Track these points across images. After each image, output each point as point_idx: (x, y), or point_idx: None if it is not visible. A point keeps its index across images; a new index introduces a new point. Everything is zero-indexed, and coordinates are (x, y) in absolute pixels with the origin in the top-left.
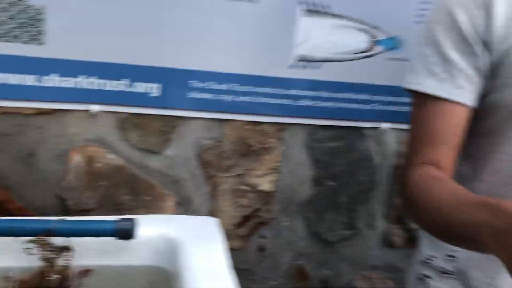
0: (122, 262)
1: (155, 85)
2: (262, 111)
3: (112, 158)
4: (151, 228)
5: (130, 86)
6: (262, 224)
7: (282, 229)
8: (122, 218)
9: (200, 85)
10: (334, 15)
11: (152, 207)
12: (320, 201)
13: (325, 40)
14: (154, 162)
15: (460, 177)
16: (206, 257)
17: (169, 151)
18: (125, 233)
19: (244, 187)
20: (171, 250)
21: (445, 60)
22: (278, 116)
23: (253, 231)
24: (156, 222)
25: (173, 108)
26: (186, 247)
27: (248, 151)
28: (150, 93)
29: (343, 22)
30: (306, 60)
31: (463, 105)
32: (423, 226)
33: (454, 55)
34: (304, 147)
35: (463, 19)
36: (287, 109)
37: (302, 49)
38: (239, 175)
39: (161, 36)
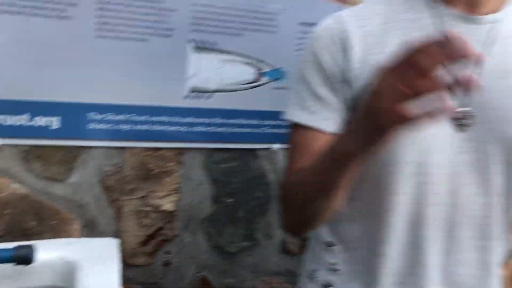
0: (24, 284)
1: (54, 119)
2: (160, 138)
3: (17, 188)
4: (51, 252)
5: (30, 120)
6: (166, 241)
7: (185, 245)
8: (20, 245)
9: (99, 116)
10: (222, 51)
11: (58, 231)
12: (220, 217)
13: (215, 73)
14: (58, 189)
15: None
16: (100, 277)
17: (73, 179)
18: (24, 259)
19: (147, 208)
20: (70, 271)
21: (315, 95)
22: (176, 141)
23: (157, 248)
24: (57, 246)
25: (74, 139)
26: (83, 268)
27: (149, 175)
28: (50, 126)
29: (231, 57)
30: (198, 91)
31: (330, 133)
32: (292, 218)
33: (321, 91)
34: (202, 168)
35: (326, 60)
36: (184, 135)
37: (194, 82)
38: (142, 197)
39: (58, 73)
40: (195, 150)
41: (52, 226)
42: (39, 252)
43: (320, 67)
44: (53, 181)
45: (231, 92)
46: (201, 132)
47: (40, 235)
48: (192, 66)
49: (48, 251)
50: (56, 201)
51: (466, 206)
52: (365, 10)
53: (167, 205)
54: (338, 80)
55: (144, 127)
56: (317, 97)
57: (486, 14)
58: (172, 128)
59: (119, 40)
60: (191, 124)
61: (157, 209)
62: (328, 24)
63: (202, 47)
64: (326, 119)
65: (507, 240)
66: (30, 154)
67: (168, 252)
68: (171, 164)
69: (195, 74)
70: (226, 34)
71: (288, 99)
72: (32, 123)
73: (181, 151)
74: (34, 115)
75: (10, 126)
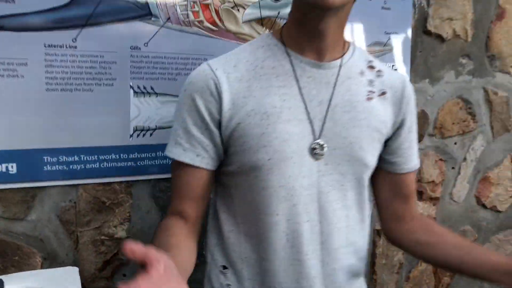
0: None
1: (11, 164)
2: (110, 173)
3: None
4: (18, 284)
5: None
6: (122, 264)
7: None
8: None
9: (53, 159)
10: (159, 94)
11: (21, 265)
12: None
13: (155, 113)
14: (19, 227)
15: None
16: None
17: (32, 216)
18: None
19: (102, 237)
20: None
21: (189, 134)
22: (125, 175)
23: (114, 272)
24: (23, 278)
25: (31, 181)
26: None
27: (102, 207)
28: (9, 171)
29: (167, 98)
30: (141, 130)
31: (203, 169)
32: None
33: (194, 131)
34: (150, 198)
35: (200, 104)
36: (132, 169)
37: (137, 122)
38: (97, 227)
39: (13, 123)
40: (142, 182)
41: (16, 261)
42: (7, 285)
43: (195, 109)
44: (14, 220)
45: (170, 128)
46: (146, 165)
47: (4, 270)
48: (134, 108)
49: (15, 284)
50: (17, 238)
51: (333, 220)
52: (233, 58)
53: (120, 232)
54: (209, 122)
55: (95, 165)
56: (190, 136)
57: (331, 61)
58: (121, 164)
59: (68, 91)
60: (137, 159)
61: (111, 237)
62: (201, 71)
63: (141, 92)
64: (198, 155)
65: (366, 245)
66: None
67: (124, 275)
68: (121, 196)
69: (137, 115)
70: (161, 79)
71: (169, 136)
72: None
73: (130, 183)
74: None
75: None
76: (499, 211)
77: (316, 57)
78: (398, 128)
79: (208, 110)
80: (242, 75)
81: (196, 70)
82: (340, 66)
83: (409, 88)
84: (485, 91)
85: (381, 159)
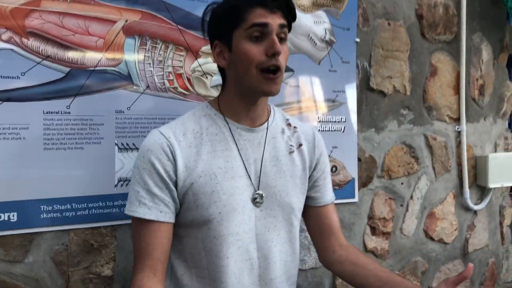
0: None
1: (13, 213)
2: (97, 219)
3: None
4: None
5: None
6: None
7: None
8: None
9: (48, 208)
10: (134, 149)
11: None
12: None
13: None
14: (17, 268)
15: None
16: None
17: (29, 259)
18: None
19: (91, 276)
20: None
21: (151, 194)
22: (110, 220)
23: None
24: None
25: (29, 227)
26: None
27: (91, 249)
28: (10, 219)
29: None
30: (124, 181)
31: (166, 223)
32: None
33: (156, 190)
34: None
35: (159, 166)
36: (117, 215)
37: (121, 174)
38: (86, 267)
39: (15, 178)
40: (125, 226)
41: None
42: None
43: (155, 172)
44: (14, 263)
45: None
46: None
47: None
48: (118, 162)
49: None
50: (16, 279)
51: (268, 256)
52: (180, 127)
53: (107, 271)
54: (168, 182)
55: (85, 212)
56: (153, 195)
57: (260, 125)
58: (107, 210)
59: (62, 150)
60: (121, 206)
61: (99, 275)
62: (157, 139)
63: (125, 148)
64: (161, 211)
65: (296, 273)
66: None
67: None
68: (107, 238)
69: (121, 168)
70: (142, 137)
71: (128, 198)
72: None
73: (115, 227)
74: None
75: None
76: (446, 243)
77: (250, 124)
78: (313, 169)
79: (166, 172)
80: (191, 142)
81: (151, 138)
82: (267, 128)
83: (319, 137)
84: (425, 137)
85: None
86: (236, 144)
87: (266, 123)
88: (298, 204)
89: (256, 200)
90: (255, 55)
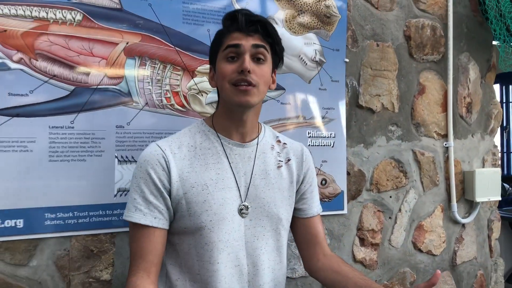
0: None
1: (19, 220)
2: (97, 226)
3: None
4: None
5: (1, 223)
6: None
7: None
8: None
9: (52, 215)
10: (132, 162)
11: None
12: None
13: None
14: (22, 271)
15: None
16: None
17: (33, 263)
18: None
19: (90, 280)
20: None
21: (147, 202)
22: (109, 228)
23: None
24: None
25: (34, 234)
26: None
27: (91, 254)
28: (16, 226)
29: None
30: (123, 191)
31: (160, 229)
32: None
33: (151, 198)
34: None
35: (154, 176)
36: (115, 222)
37: (120, 184)
38: (86, 271)
39: (22, 187)
40: (123, 233)
41: None
42: None
43: (151, 181)
44: (19, 266)
45: None
46: None
47: None
48: (118, 174)
49: None
50: (21, 281)
51: (257, 263)
52: (176, 141)
53: (105, 275)
54: (163, 191)
55: (86, 220)
56: (148, 203)
57: (251, 141)
58: (106, 219)
59: (66, 162)
60: (120, 214)
61: (98, 280)
62: (154, 150)
63: (124, 160)
64: (156, 218)
65: (284, 280)
66: (1, 248)
67: None
68: (106, 245)
69: (120, 179)
70: (140, 150)
71: (126, 205)
72: (3, 225)
73: (113, 234)
74: (3, 219)
75: None
76: (434, 255)
77: (240, 139)
78: (301, 183)
79: (161, 181)
80: (185, 155)
81: (148, 150)
82: (257, 144)
83: (307, 153)
84: (414, 152)
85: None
86: (228, 158)
87: (257, 139)
88: (286, 215)
89: (242, 211)
90: (228, 72)
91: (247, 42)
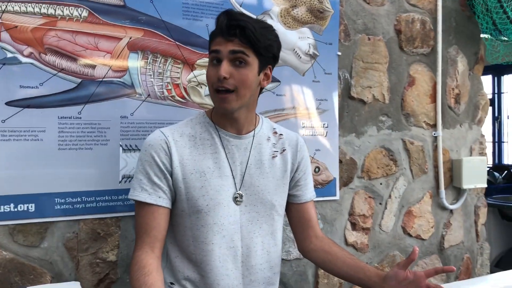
0: None
1: (31, 205)
2: (104, 211)
3: (6, 254)
4: None
5: (14, 207)
6: (112, 282)
7: (126, 284)
8: None
9: (61, 200)
10: (136, 150)
11: (35, 283)
12: None
13: None
14: (34, 252)
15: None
16: None
17: (44, 244)
18: None
19: (97, 260)
20: None
21: (152, 182)
22: (115, 212)
23: None
24: None
25: (45, 217)
26: None
27: (98, 237)
28: (28, 210)
29: None
30: (128, 177)
31: (164, 207)
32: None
33: (155, 179)
34: (135, 229)
35: (157, 159)
36: (121, 207)
37: (125, 171)
38: (93, 253)
39: (33, 174)
40: (128, 217)
41: (31, 279)
42: None
43: (155, 164)
44: (31, 247)
45: None
46: (131, 204)
47: (22, 286)
48: (122, 161)
49: None
50: (32, 261)
51: (250, 245)
52: (178, 130)
53: (111, 257)
54: (166, 172)
55: (93, 204)
56: (153, 183)
57: (247, 133)
58: (112, 203)
59: (74, 150)
60: (125, 200)
61: (104, 261)
62: (157, 136)
63: (128, 149)
64: (160, 197)
65: (279, 262)
66: (15, 230)
67: None
68: (112, 228)
69: (125, 166)
70: (143, 139)
71: (132, 185)
72: (16, 209)
73: (119, 218)
74: (17, 203)
75: (2, 212)
76: (423, 239)
77: (236, 132)
78: (296, 171)
79: (163, 164)
80: (186, 143)
81: (152, 135)
82: (253, 136)
83: (302, 143)
84: (403, 141)
85: (287, 195)
86: (224, 149)
87: (253, 131)
88: (280, 201)
89: (237, 199)
90: (210, 76)
91: (226, 48)
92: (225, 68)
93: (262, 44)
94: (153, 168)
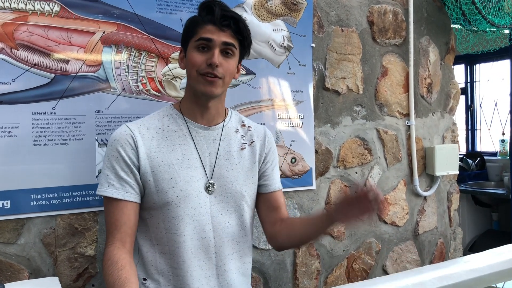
0: None
1: (6, 201)
2: (81, 205)
3: None
4: None
5: None
6: (91, 276)
7: None
8: None
9: (37, 196)
10: None
11: (13, 279)
12: None
13: None
14: (11, 249)
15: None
16: None
17: (21, 240)
18: None
19: (76, 255)
20: None
21: (118, 177)
22: (92, 207)
23: (85, 282)
24: (17, 286)
25: (21, 213)
26: None
27: (75, 232)
28: (4, 206)
29: None
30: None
31: (132, 202)
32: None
33: (122, 174)
34: None
35: (124, 154)
36: (97, 202)
37: (101, 166)
38: (71, 248)
39: (8, 170)
40: None
41: (8, 276)
42: None
43: (121, 159)
44: (7, 244)
45: None
46: None
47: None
48: (98, 156)
49: None
50: (10, 258)
51: (222, 236)
52: (145, 123)
53: (90, 251)
54: (132, 167)
55: (69, 199)
56: (120, 178)
57: (216, 124)
58: (89, 198)
59: (49, 145)
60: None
61: (83, 255)
62: (123, 131)
63: (104, 143)
64: (127, 192)
65: (250, 252)
66: None
67: (93, 285)
68: (90, 222)
69: (101, 161)
70: None
71: (99, 181)
72: None
73: (96, 213)
74: None
75: None
76: (398, 226)
77: (206, 123)
78: (263, 162)
79: (130, 158)
80: (153, 136)
81: (118, 130)
82: (223, 127)
83: (269, 135)
84: (377, 131)
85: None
86: (193, 140)
87: (223, 123)
88: (249, 192)
89: (209, 189)
90: (197, 62)
91: (219, 38)
92: (218, 57)
93: (248, 40)
94: (120, 163)
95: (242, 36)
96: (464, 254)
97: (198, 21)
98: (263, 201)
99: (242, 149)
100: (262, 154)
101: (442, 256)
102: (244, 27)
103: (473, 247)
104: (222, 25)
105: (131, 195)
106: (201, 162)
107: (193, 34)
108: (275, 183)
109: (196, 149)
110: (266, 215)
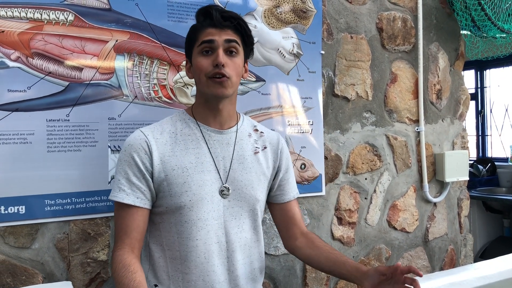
0: None
1: (21, 207)
2: (94, 211)
3: None
4: None
5: (5, 210)
6: (103, 281)
7: None
8: None
9: (51, 202)
10: None
11: (27, 283)
12: None
13: None
14: (25, 253)
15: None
16: None
17: (35, 245)
18: None
19: (88, 260)
20: None
21: (130, 183)
22: (105, 212)
23: (98, 287)
24: None
25: (35, 219)
26: None
27: (88, 237)
28: (19, 212)
29: None
30: None
31: (142, 208)
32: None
33: (134, 179)
34: None
35: (137, 159)
36: (110, 207)
37: (114, 172)
38: (84, 252)
39: (23, 176)
40: None
41: (23, 280)
42: None
43: (134, 164)
44: (22, 249)
45: None
46: None
47: (14, 287)
48: (111, 162)
49: None
50: (24, 262)
51: (234, 240)
52: (159, 128)
53: (102, 256)
54: (145, 173)
55: (83, 205)
56: (131, 184)
57: (229, 128)
58: (102, 204)
59: (63, 152)
60: None
61: (95, 260)
62: (137, 136)
63: (117, 150)
64: (138, 198)
65: (262, 258)
66: (6, 232)
67: None
68: (102, 228)
69: (114, 167)
70: None
71: (112, 186)
72: (6, 211)
73: (108, 218)
74: (7, 206)
75: None
76: (408, 232)
77: (218, 127)
78: (277, 171)
79: (143, 164)
80: (167, 140)
81: (132, 136)
82: (236, 131)
83: (282, 142)
84: (387, 137)
85: (270, 195)
86: (207, 143)
87: (236, 127)
88: (262, 197)
89: (223, 192)
90: (203, 66)
91: (220, 37)
92: (223, 56)
93: (250, 36)
94: (132, 168)
95: (243, 32)
96: (476, 261)
97: (198, 27)
98: (278, 210)
99: (255, 153)
100: (276, 161)
101: (452, 262)
102: (244, 24)
103: (484, 254)
104: (222, 25)
105: (141, 201)
106: (215, 165)
107: (195, 40)
108: (290, 193)
109: (210, 153)
110: (282, 225)
